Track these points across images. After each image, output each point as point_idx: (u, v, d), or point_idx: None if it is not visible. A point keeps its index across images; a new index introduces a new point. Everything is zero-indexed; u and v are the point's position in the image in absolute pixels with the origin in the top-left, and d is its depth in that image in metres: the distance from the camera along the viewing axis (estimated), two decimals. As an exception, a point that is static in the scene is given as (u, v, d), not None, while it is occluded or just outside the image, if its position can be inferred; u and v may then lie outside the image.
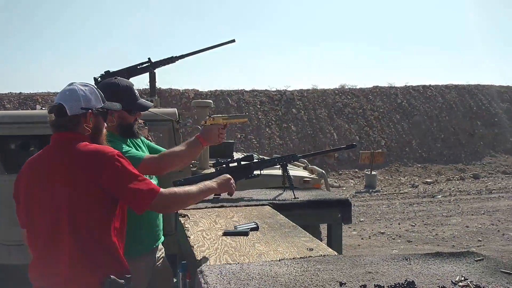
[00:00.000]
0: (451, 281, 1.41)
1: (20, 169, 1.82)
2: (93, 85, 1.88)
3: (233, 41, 5.17)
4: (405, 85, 20.33)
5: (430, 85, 20.45)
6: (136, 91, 2.39)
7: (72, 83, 1.83)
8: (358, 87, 19.92)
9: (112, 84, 2.32)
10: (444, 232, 7.31)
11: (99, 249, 1.72)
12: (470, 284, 1.37)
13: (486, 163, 16.90)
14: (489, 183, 13.71)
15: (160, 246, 2.47)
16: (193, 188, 1.91)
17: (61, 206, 1.68)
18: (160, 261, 2.50)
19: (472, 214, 8.75)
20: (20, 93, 15.94)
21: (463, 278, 1.42)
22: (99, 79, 4.47)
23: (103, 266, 1.70)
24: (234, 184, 2.15)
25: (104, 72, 4.52)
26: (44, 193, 1.71)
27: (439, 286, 1.36)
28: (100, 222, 1.73)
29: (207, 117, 2.56)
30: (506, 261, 1.68)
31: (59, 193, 1.69)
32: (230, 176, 2.15)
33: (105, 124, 1.92)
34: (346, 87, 19.84)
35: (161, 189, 1.79)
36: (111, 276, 1.67)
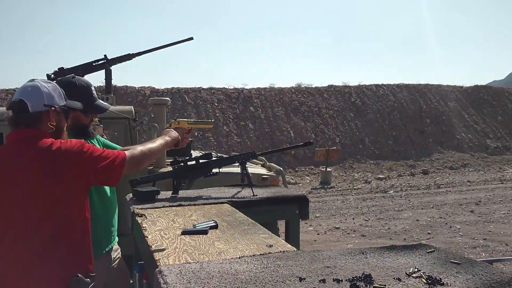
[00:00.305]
0: (406, 273, 1.45)
1: None
2: (55, 83, 1.86)
3: (191, 39, 5.13)
4: (359, 84, 20.88)
5: (382, 84, 21.09)
6: (94, 91, 2.31)
7: (33, 79, 1.79)
8: (314, 86, 20.28)
9: (69, 83, 2.24)
10: (396, 226, 7.57)
11: (70, 245, 1.73)
12: (423, 275, 1.42)
13: (435, 159, 17.64)
14: (438, 178, 14.31)
15: (116, 246, 2.42)
16: (151, 144, 2.07)
17: (33, 203, 1.66)
18: (116, 262, 2.44)
19: (422, 208, 9.11)
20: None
21: (416, 270, 1.47)
22: (52, 75, 4.32)
23: (72, 263, 1.72)
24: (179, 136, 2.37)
25: (58, 68, 4.38)
26: (13, 191, 1.67)
27: (394, 278, 1.40)
28: (72, 218, 1.74)
29: (172, 120, 2.55)
30: (455, 252, 1.76)
31: (29, 190, 1.66)
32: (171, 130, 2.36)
33: (66, 123, 1.90)
34: (302, 85, 20.14)
35: (126, 153, 1.88)
36: (79, 275, 1.68)
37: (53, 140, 1.75)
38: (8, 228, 1.69)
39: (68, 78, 2.29)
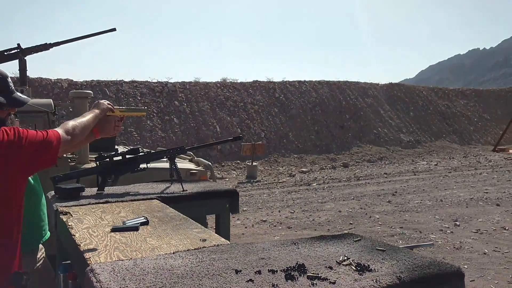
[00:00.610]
0: (336, 261, 1.52)
1: None
2: None
3: (114, 29, 4.93)
4: (283, 80, 21.33)
5: (305, 81, 21.72)
6: (11, 83, 2.13)
7: None
8: (239, 81, 20.41)
9: None
10: (320, 217, 7.85)
11: (10, 241, 1.75)
12: (352, 262, 1.49)
13: (354, 152, 18.52)
14: (357, 171, 15.03)
15: (40, 246, 2.28)
16: (82, 118, 2.05)
17: None
18: (41, 262, 2.31)
19: (344, 200, 9.53)
20: None
21: (346, 258, 1.54)
22: (-43, 64, 3.95)
23: (7, 262, 1.73)
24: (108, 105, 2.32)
25: (-37, 57, 4.01)
26: None
27: (326, 267, 1.46)
28: (9, 211, 1.75)
29: None
30: (380, 240, 1.87)
31: None
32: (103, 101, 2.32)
33: None
34: (228, 80, 20.18)
35: (59, 130, 1.86)
36: (19, 271, 1.73)
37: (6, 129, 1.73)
38: None
39: None
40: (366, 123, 20.85)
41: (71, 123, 1.95)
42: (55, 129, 1.88)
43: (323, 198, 9.85)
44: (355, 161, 17.24)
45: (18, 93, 2.17)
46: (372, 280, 1.34)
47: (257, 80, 20.73)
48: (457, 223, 7.16)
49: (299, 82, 21.46)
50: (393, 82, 25.67)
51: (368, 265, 1.46)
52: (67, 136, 1.87)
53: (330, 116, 20.29)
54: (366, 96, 22.71)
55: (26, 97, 2.23)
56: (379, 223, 7.34)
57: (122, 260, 1.52)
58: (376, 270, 1.42)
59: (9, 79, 2.13)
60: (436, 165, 16.11)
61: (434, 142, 21.76)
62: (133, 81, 17.76)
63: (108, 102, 2.32)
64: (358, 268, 1.43)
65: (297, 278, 1.35)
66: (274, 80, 21.19)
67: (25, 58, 4.51)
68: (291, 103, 19.95)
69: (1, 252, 1.72)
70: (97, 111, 2.20)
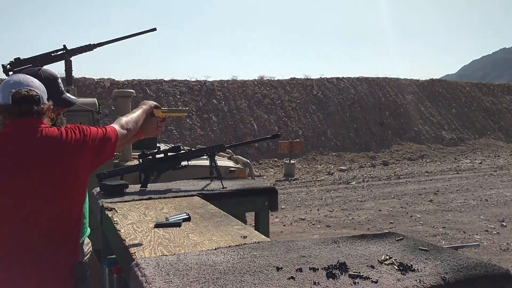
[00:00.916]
0: (378, 260, 1.50)
1: None
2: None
3: (154, 29, 5.04)
4: (320, 77, 21.14)
5: (343, 78, 21.45)
6: (61, 84, 2.22)
7: (18, 74, 1.85)
8: (276, 78, 20.37)
9: (34, 75, 2.15)
10: (359, 216, 7.75)
11: (73, 233, 1.83)
12: (395, 262, 1.47)
13: (394, 150, 18.14)
14: (397, 169, 14.73)
15: (87, 240, 2.37)
16: (132, 113, 2.14)
17: (41, 192, 1.71)
18: (88, 255, 2.40)
19: (384, 199, 9.36)
20: None
21: (388, 257, 1.52)
22: (8, 66, 4.15)
23: (71, 254, 1.81)
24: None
25: (14, 59, 4.20)
26: (19, 180, 1.70)
27: (367, 266, 1.45)
28: (75, 206, 1.84)
29: None
30: (422, 240, 1.83)
31: (38, 180, 1.70)
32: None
33: None
34: (265, 78, 20.19)
35: (116, 127, 1.97)
36: (81, 262, 1.81)
37: (58, 128, 1.82)
38: (16, 215, 1.71)
39: (33, 71, 2.19)
40: (406, 120, 20.38)
41: (124, 119, 2.05)
42: (111, 125, 1.98)
43: (363, 196, 9.71)
44: (395, 159, 16.90)
45: (67, 94, 2.26)
46: (416, 280, 1.32)
47: (294, 77, 20.65)
48: (504, 223, 6.90)
49: (337, 78, 21.21)
50: (434, 78, 24.96)
51: (411, 265, 1.43)
52: (123, 131, 1.98)
53: (369, 113, 19.96)
54: (406, 93, 22.19)
55: (74, 97, 2.32)
56: (421, 222, 7.17)
57: (166, 255, 1.56)
58: (420, 270, 1.40)
59: (59, 80, 2.23)
60: (480, 163, 15.57)
61: (478, 140, 21.01)
62: (172, 80, 18.07)
63: (153, 102, 2.42)
64: (401, 268, 1.41)
65: (339, 276, 1.34)
66: (311, 77, 21.04)
67: (70, 58, 4.68)
68: (329, 100, 19.75)
69: (65, 245, 1.80)
70: (145, 106, 2.29)
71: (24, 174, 1.70)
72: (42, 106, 1.81)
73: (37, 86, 1.84)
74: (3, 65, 4.28)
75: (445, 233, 6.46)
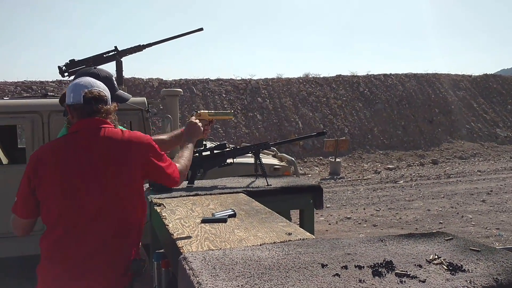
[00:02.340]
0: (426, 260, 1.47)
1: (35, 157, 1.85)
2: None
3: (201, 29, 5.13)
4: (367, 74, 20.74)
5: (390, 74, 20.94)
6: (115, 82, 2.34)
7: (86, 77, 1.98)
8: (321, 76, 20.18)
9: (91, 75, 2.26)
10: (407, 215, 7.57)
11: (133, 232, 1.89)
12: (444, 262, 1.43)
13: (444, 149, 17.53)
14: (447, 168, 14.24)
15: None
16: (184, 153, 2.19)
17: (107, 190, 1.79)
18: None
19: (433, 198, 9.09)
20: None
21: (436, 256, 1.49)
22: (64, 67, 4.35)
23: (129, 251, 1.88)
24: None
25: (69, 60, 4.40)
26: (87, 178, 1.78)
27: (415, 265, 1.42)
28: (137, 206, 1.91)
29: (194, 112, 2.59)
30: (474, 240, 1.77)
31: (104, 178, 1.78)
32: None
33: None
34: (310, 76, 20.05)
35: (177, 165, 2.03)
36: (136, 258, 1.88)
37: (124, 130, 1.91)
38: (83, 212, 1.79)
39: (90, 70, 2.31)
40: (457, 118, 19.64)
41: (183, 163, 2.12)
42: (176, 163, 2.05)
43: (411, 196, 9.47)
44: (445, 158, 16.34)
45: (120, 91, 2.37)
46: (466, 280, 1.28)
47: (340, 75, 20.37)
48: None
49: (385, 75, 20.74)
50: (488, 73, 23.88)
51: (461, 265, 1.39)
52: (183, 176, 2.07)
53: (418, 110, 19.38)
54: (458, 89, 21.38)
55: (127, 94, 2.43)
56: (472, 223, 6.91)
57: (212, 249, 1.59)
58: (470, 271, 1.36)
59: (113, 78, 2.35)
60: (538, 162, 14.79)
61: (536, 138, 19.94)
62: (218, 79, 18.29)
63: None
64: (450, 268, 1.37)
65: (385, 274, 1.33)
66: (358, 74, 20.68)
67: (121, 59, 4.85)
68: (376, 97, 19.35)
69: (127, 241, 1.88)
70: (191, 143, 2.36)
71: (93, 173, 1.78)
72: (109, 106, 1.91)
73: (104, 88, 1.94)
74: (59, 67, 4.49)
75: (499, 234, 6.20)
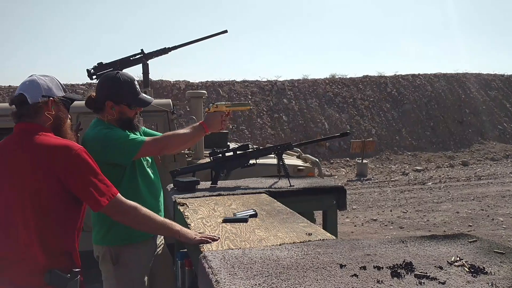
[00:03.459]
0: (447, 261, 1.45)
1: None
2: (53, 76, 1.89)
3: (226, 31, 5.16)
4: (395, 74, 20.43)
5: (419, 74, 20.57)
6: (137, 85, 2.38)
7: (32, 75, 1.85)
8: (348, 76, 19.99)
9: (113, 78, 2.32)
10: (435, 218, 7.42)
11: (53, 243, 1.73)
12: (466, 264, 1.41)
13: (475, 150, 17.10)
14: (478, 169, 13.89)
15: (160, 233, 2.50)
16: (151, 215, 1.90)
17: (21, 195, 1.69)
18: (160, 247, 2.53)
19: (462, 200, 8.88)
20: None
21: (458, 258, 1.46)
22: (92, 70, 4.45)
23: (51, 259, 1.72)
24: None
25: (97, 63, 4.50)
26: (4, 181, 1.73)
27: (435, 266, 1.40)
28: (58, 215, 1.75)
29: (211, 104, 2.60)
30: (498, 242, 1.73)
31: (19, 183, 1.70)
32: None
33: (68, 115, 1.92)
34: (337, 76, 19.90)
35: (119, 195, 1.82)
36: (55, 270, 1.70)
37: (51, 135, 1.78)
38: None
39: (112, 74, 2.37)
40: (489, 118, 19.12)
41: (134, 207, 1.86)
42: (123, 198, 1.85)
43: (439, 198, 9.28)
44: (476, 159, 15.94)
45: (143, 94, 2.42)
46: (487, 283, 1.26)
47: (367, 75, 20.14)
48: None
49: (413, 75, 20.39)
50: (521, 72, 23.16)
51: (483, 267, 1.37)
52: (116, 207, 1.82)
53: (447, 111, 18.97)
54: (489, 89, 20.82)
55: (150, 97, 2.48)
56: (503, 226, 6.72)
57: (232, 249, 1.61)
58: (493, 273, 1.33)
59: (136, 82, 2.38)
60: None
61: None
62: (244, 81, 18.36)
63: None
64: (472, 270, 1.35)
65: (404, 276, 1.32)
66: (385, 75, 20.40)
67: (147, 62, 4.92)
68: (404, 98, 19.04)
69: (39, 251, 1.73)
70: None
71: (7, 175, 1.73)
72: (30, 106, 1.77)
73: (28, 87, 1.79)
74: (87, 70, 4.60)
75: (532, 238, 6.02)
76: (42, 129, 1.77)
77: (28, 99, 1.76)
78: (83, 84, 15.52)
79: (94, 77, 4.57)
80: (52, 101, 1.81)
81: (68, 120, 1.92)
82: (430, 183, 11.43)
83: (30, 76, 1.83)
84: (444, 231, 6.54)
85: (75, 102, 2.03)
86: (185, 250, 2.19)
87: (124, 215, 1.84)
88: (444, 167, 14.75)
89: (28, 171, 1.70)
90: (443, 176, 12.69)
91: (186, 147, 2.92)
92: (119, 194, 1.82)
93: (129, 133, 2.31)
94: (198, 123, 2.50)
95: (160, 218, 1.96)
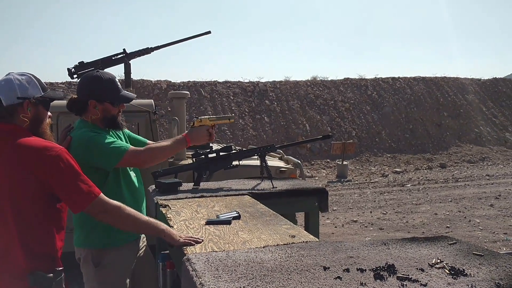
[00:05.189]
0: (428, 264, 1.47)
1: None
2: (31, 74, 1.80)
3: (209, 32, 5.16)
4: (375, 77, 20.68)
5: (399, 77, 20.86)
6: (118, 83, 2.37)
7: (9, 73, 1.77)
8: (329, 78, 20.15)
9: (94, 77, 2.31)
10: (414, 219, 7.53)
11: (35, 245, 1.70)
12: (446, 266, 1.43)
13: (452, 152, 17.43)
14: (455, 172, 14.16)
15: (142, 235, 2.48)
16: (136, 214, 1.88)
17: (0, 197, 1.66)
18: (142, 250, 2.51)
19: (440, 202, 9.04)
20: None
21: (439, 260, 1.49)
22: (73, 69, 4.40)
23: (32, 261, 1.68)
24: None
25: (78, 63, 4.45)
26: None
27: (417, 268, 1.42)
28: (39, 217, 1.71)
29: (195, 118, 2.63)
30: (477, 244, 1.77)
31: None
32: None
33: (48, 114, 1.86)
34: (318, 78, 20.04)
35: (101, 194, 1.77)
36: (38, 272, 1.67)
37: (29, 136, 1.73)
38: None
39: (93, 73, 2.35)
40: (466, 121, 19.51)
41: (117, 206, 1.83)
42: (107, 198, 1.82)
43: (418, 199, 9.43)
44: (453, 162, 16.24)
45: (124, 91, 2.41)
46: (467, 285, 1.28)
47: (348, 78, 20.34)
48: None
49: (393, 78, 20.66)
50: (497, 77, 23.69)
51: (463, 269, 1.40)
52: (99, 207, 1.79)
53: (426, 114, 19.28)
54: (467, 93, 21.24)
55: (132, 94, 2.47)
56: (480, 228, 6.87)
57: (216, 251, 1.61)
58: (472, 275, 1.36)
59: (117, 80, 2.38)
60: (548, 167, 14.65)
61: (546, 142, 19.75)
62: (226, 82, 18.34)
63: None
64: (452, 272, 1.38)
65: (386, 278, 1.33)
66: (366, 77, 20.63)
67: (129, 62, 4.88)
68: (384, 101, 19.29)
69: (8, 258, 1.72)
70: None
71: None
72: (5, 108, 1.71)
73: (3, 87, 1.72)
74: (68, 69, 4.54)
75: (507, 239, 6.15)
76: (19, 130, 1.71)
77: (3, 101, 1.69)
78: (62, 83, 15.27)
79: (75, 76, 4.51)
80: (28, 102, 1.73)
81: (48, 119, 1.86)
82: (409, 185, 11.60)
83: (6, 75, 1.76)
84: (423, 232, 6.64)
85: (55, 102, 1.98)
86: (167, 251, 2.18)
87: (108, 214, 1.79)
88: (423, 169, 14.98)
89: (6, 173, 1.66)
90: (421, 178, 12.90)
91: (166, 158, 2.94)
92: (101, 194, 1.78)
93: (114, 139, 2.29)
94: (181, 136, 2.54)
95: (145, 217, 1.93)
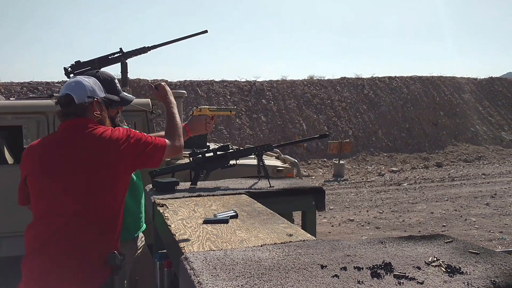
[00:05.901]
0: (425, 262, 1.48)
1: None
2: (94, 78, 2.04)
3: (206, 31, 5.13)
4: (372, 77, 20.73)
5: (395, 77, 20.92)
6: (118, 84, 2.35)
7: (77, 76, 1.98)
8: (326, 78, 20.19)
9: (93, 77, 2.29)
10: (410, 218, 7.56)
11: (112, 225, 1.91)
12: (442, 264, 1.44)
13: (449, 151, 17.49)
14: (452, 171, 14.20)
15: (141, 234, 2.48)
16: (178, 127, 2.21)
17: (83, 188, 1.81)
18: (141, 249, 2.51)
19: (436, 201, 9.07)
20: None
21: (435, 259, 1.50)
22: (69, 68, 4.37)
23: (108, 245, 1.89)
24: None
25: (75, 62, 4.42)
26: (64, 175, 1.81)
27: (414, 267, 1.43)
28: (114, 202, 1.92)
29: (195, 107, 2.60)
30: (473, 242, 1.78)
31: (80, 175, 1.81)
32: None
33: (107, 113, 2.06)
34: (315, 78, 20.06)
35: (166, 141, 2.07)
36: (115, 252, 1.87)
37: (105, 128, 1.92)
38: (58, 211, 1.82)
39: (93, 73, 2.33)
40: (462, 120, 19.59)
41: (175, 139, 2.16)
42: (164, 137, 2.10)
43: (414, 198, 9.46)
44: (449, 161, 16.30)
45: (124, 93, 2.40)
46: (464, 283, 1.29)
47: (345, 77, 20.37)
48: None
49: (389, 78, 20.71)
50: (493, 76, 23.78)
51: (460, 267, 1.41)
52: (170, 148, 2.09)
53: (422, 113, 19.34)
54: (463, 92, 21.32)
55: (131, 96, 2.46)
56: (476, 226, 6.90)
57: (214, 250, 1.61)
58: (468, 273, 1.37)
59: (116, 81, 2.37)
60: (543, 166, 14.72)
61: (541, 141, 19.84)
62: (223, 81, 18.34)
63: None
64: (448, 270, 1.39)
65: (383, 276, 1.34)
66: (362, 77, 20.67)
67: (126, 61, 4.86)
68: (380, 100, 19.34)
69: (106, 237, 1.90)
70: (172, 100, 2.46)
71: (72, 172, 1.82)
72: (78, 105, 1.90)
73: (74, 88, 1.92)
74: (65, 68, 4.51)
75: (502, 238, 6.18)
76: (92, 123, 1.91)
77: (75, 99, 1.88)
78: (58, 82, 15.22)
79: (71, 75, 4.49)
80: (97, 101, 1.95)
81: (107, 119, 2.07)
82: (405, 184, 11.63)
83: (74, 78, 1.96)
84: (419, 231, 6.67)
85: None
86: (164, 251, 2.18)
87: (177, 151, 2.17)
88: (419, 168, 15.03)
89: (90, 164, 1.82)
90: (418, 177, 12.93)
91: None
92: (167, 143, 2.05)
93: None
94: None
95: (175, 120, 2.26)
